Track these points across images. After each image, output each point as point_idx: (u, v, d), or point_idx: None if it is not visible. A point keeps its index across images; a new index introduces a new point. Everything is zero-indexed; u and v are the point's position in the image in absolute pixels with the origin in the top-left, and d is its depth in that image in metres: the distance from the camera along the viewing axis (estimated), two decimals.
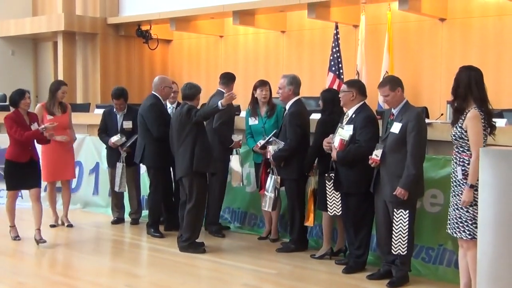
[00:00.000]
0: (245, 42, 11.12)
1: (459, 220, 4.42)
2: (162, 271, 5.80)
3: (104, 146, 7.71)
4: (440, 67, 8.75)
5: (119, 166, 7.32)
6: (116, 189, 7.41)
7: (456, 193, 4.46)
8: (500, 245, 3.80)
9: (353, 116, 5.51)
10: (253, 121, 6.73)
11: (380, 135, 5.41)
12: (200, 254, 6.25)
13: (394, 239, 5.09)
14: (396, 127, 5.05)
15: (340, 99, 5.65)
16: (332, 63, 9.04)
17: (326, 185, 5.71)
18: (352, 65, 9.01)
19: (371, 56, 8.93)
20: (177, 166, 6.37)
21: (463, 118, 4.41)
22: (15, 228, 6.83)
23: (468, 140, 4.37)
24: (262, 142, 6.47)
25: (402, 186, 4.93)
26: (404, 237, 5.04)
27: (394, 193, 4.97)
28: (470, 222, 4.37)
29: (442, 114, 6.81)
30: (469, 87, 4.46)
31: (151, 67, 12.27)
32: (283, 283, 5.41)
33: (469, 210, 4.36)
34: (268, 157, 6.27)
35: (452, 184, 4.51)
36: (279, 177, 6.27)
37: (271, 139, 6.31)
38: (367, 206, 5.47)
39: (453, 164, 4.50)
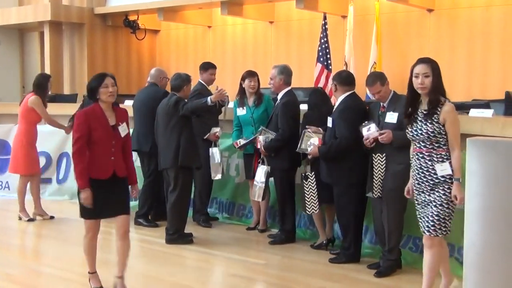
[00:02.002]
0: (233, 33, 11.09)
1: (436, 217, 4.22)
2: (151, 262, 5.80)
3: None
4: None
5: None
6: None
7: (437, 190, 4.21)
8: (487, 235, 3.83)
9: (335, 108, 5.57)
10: (241, 111, 6.73)
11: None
12: (188, 244, 6.26)
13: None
14: (391, 117, 5.11)
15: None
16: (321, 53, 9.03)
17: (304, 184, 5.78)
18: (340, 56, 9.01)
19: (359, 46, 8.93)
20: (162, 157, 6.35)
21: (438, 112, 4.19)
22: (96, 275, 5.01)
23: (445, 135, 4.20)
24: (242, 141, 6.52)
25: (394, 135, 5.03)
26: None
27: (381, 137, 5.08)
28: (447, 219, 4.25)
29: None
30: (440, 78, 4.30)
31: (138, 57, 12.20)
32: (271, 274, 5.43)
33: (449, 207, 4.22)
34: (259, 147, 6.28)
35: (425, 183, 4.25)
36: (269, 167, 6.27)
37: (260, 129, 6.32)
38: (354, 198, 5.49)
39: (425, 161, 4.24)
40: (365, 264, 5.51)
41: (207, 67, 7.13)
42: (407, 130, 4.33)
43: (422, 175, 4.26)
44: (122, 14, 11.48)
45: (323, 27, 9.07)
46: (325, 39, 9.03)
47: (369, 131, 5.17)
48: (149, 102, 6.91)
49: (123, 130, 4.65)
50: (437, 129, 4.19)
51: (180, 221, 6.34)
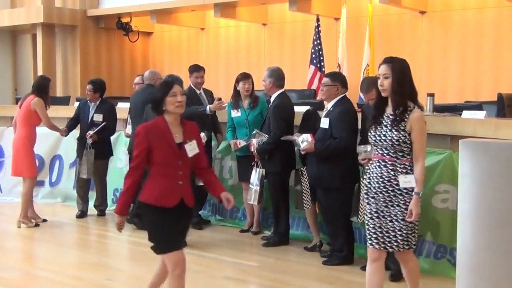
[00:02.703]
0: (226, 35, 11.09)
1: (399, 233, 3.92)
2: (143, 265, 5.78)
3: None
4: (421, 59, 8.79)
5: (87, 152, 7.38)
6: (83, 176, 7.44)
7: (397, 203, 3.92)
8: (480, 237, 3.84)
9: (331, 109, 5.55)
10: (235, 113, 6.73)
11: (360, 127, 5.45)
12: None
13: None
14: None
15: (322, 92, 5.67)
16: (314, 55, 9.05)
17: (301, 179, 5.79)
18: (333, 58, 9.03)
19: (352, 48, 8.95)
20: None
21: (405, 119, 3.87)
22: None
23: (410, 144, 3.89)
24: (241, 143, 6.51)
25: None
26: None
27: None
28: (410, 233, 3.96)
29: (422, 107, 6.84)
30: (411, 82, 4.00)
31: (131, 59, 12.19)
32: (265, 276, 5.42)
33: (412, 221, 3.91)
34: (252, 150, 6.28)
35: (385, 193, 3.95)
36: (263, 170, 6.28)
37: (254, 133, 6.32)
38: (345, 201, 5.49)
39: (387, 170, 3.93)
40: (358, 266, 5.51)
41: (191, 70, 7.07)
42: (369, 134, 4.00)
43: (382, 185, 3.93)
44: (115, 16, 11.47)
45: (316, 29, 9.09)
46: (318, 41, 9.05)
47: (366, 153, 5.18)
48: (147, 103, 6.93)
49: (191, 149, 3.87)
50: (402, 137, 3.87)
51: None
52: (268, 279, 5.33)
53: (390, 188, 3.92)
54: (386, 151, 3.93)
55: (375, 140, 3.96)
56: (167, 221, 3.87)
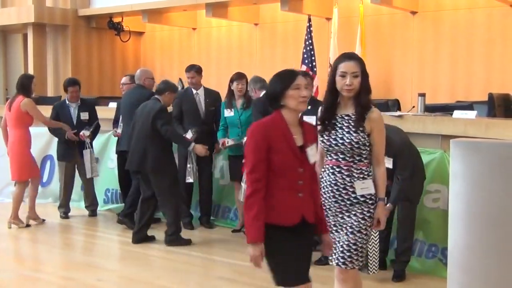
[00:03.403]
0: (218, 35, 11.08)
1: (353, 247, 3.51)
2: (135, 265, 5.77)
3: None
4: (412, 60, 8.81)
5: (87, 152, 7.37)
6: (89, 175, 7.45)
7: (354, 213, 3.53)
8: (471, 236, 3.85)
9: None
10: (228, 113, 6.75)
11: None
12: (187, 245, 6.28)
13: None
14: None
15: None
16: (305, 55, 9.05)
17: None
18: (325, 58, 9.03)
19: (343, 48, 8.91)
20: (136, 159, 6.31)
21: (365, 119, 3.52)
22: None
23: (369, 146, 3.53)
24: (230, 142, 6.53)
25: None
26: None
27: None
28: (364, 247, 3.57)
29: (413, 107, 6.87)
30: (368, 79, 3.58)
31: (123, 59, 12.14)
32: (258, 276, 5.41)
33: (367, 233, 3.55)
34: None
35: (342, 202, 3.54)
36: None
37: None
38: None
39: (342, 177, 3.52)
40: None
41: (185, 70, 7.15)
42: (321, 139, 3.56)
43: (338, 193, 3.53)
44: (106, 16, 11.42)
45: (308, 29, 9.09)
46: (310, 41, 9.05)
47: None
48: (137, 104, 6.91)
49: (312, 154, 3.28)
50: (362, 139, 3.49)
51: (176, 222, 6.37)
52: (260, 279, 5.32)
53: (346, 197, 3.52)
54: (342, 156, 3.52)
55: (329, 145, 3.53)
56: (288, 244, 3.15)
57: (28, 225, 7.12)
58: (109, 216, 7.69)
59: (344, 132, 3.50)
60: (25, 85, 7.11)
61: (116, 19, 11.48)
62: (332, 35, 8.95)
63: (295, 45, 9.72)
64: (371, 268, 5.08)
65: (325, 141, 3.55)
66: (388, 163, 4.95)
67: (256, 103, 6.29)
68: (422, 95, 6.35)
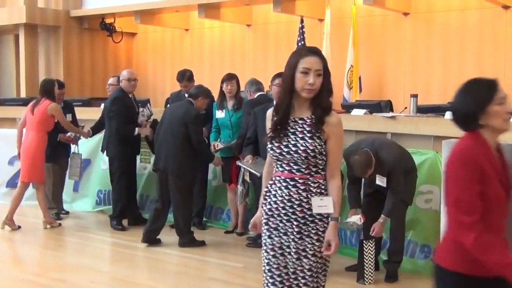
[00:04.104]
0: (210, 36, 11.07)
1: (309, 273, 3.05)
2: (128, 267, 5.76)
3: None
4: (404, 61, 8.83)
5: (77, 156, 7.43)
6: (76, 178, 7.58)
7: (308, 234, 3.02)
8: None
9: None
10: (219, 114, 6.74)
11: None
12: (199, 247, 6.30)
13: None
14: (381, 180, 5.15)
15: None
16: None
17: None
18: None
19: (336, 50, 8.97)
20: (169, 161, 6.28)
21: (323, 124, 3.02)
22: None
23: (325, 155, 3.04)
24: (219, 145, 6.53)
25: None
26: None
27: None
28: (321, 271, 3.10)
29: (406, 108, 6.89)
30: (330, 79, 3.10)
31: (115, 60, 12.11)
32: (250, 277, 5.42)
33: (323, 255, 3.05)
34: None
35: (293, 222, 3.03)
36: (246, 171, 6.27)
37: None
38: None
39: (297, 191, 3.01)
40: (342, 266, 5.51)
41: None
42: (270, 146, 3.07)
43: (291, 211, 3.02)
44: (99, 16, 11.39)
45: (300, 30, 9.10)
46: (303, 42, 9.06)
47: (354, 224, 5.21)
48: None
49: None
50: (319, 146, 2.99)
51: (189, 224, 6.39)
52: (253, 280, 5.33)
53: (300, 215, 3.01)
54: (295, 167, 3.01)
55: (279, 153, 3.02)
56: None
57: (19, 227, 7.09)
58: (101, 217, 7.67)
59: (298, 139, 3.00)
60: (48, 90, 7.10)
61: (108, 20, 11.45)
62: (324, 36, 8.97)
63: (288, 46, 9.71)
64: (367, 278, 5.11)
65: (275, 148, 3.04)
66: (382, 182, 4.98)
67: (246, 105, 6.30)
68: (415, 96, 6.37)
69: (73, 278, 5.41)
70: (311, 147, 2.97)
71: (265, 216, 3.12)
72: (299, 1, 9.23)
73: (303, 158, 2.98)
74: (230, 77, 6.72)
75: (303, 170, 3.01)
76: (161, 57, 11.74)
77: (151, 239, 6.35)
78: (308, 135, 2.99)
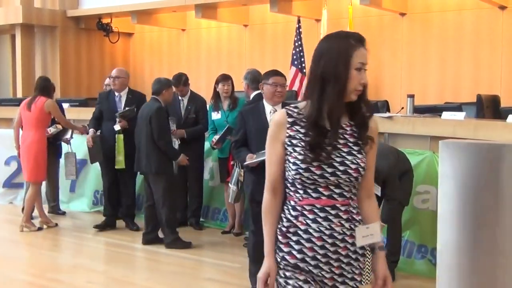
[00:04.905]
0: (207, 36, 11.07)
1: None
2: (124, 267, 5.75)
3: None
4: (401, 61, 8.84)
5: (72, 154, 7.39)
6: (73, 177, 7.53)
7: (351, 276, 2.43)
8: (460, 237, 3.86)
9: None
10: (215, 116, 6.73)
11: None
12: (187, 249, 6.25)
13: None
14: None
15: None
16: (295, 57, 9.07)
17: None
18: None
19: None
20: (144, 162, 6.28)
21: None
22: None
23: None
24: (216, 137, 6.49)
25: None
26: None
27: None
28: None
29: (402, 108, 6.89)
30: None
31: (112, 61, 12.09)
32: (247, 277, 5.41)
33: None
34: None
35: (330, 264, 2.34)
36: (242, 170, 6.26)
37: (227, 130, 6.34)
38: None
39: (339, 222, 2.34)
40: None
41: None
42: (305, 167, 2.30)
43: (332, 249, 2.32)
44: (95, 17, 11.39)
45: (297, 31, 9.11)
46: (299, 43, 9.07)
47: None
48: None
49: None
50: (364, 160, 2.37)
51: (172, 223, 6.36)
52: (249, 280, 5.32)
53: (343, 253, 2.33)
54: (337, 190, 2.32)
55: (320, 175, 2.29)
56: None
57: (40, 228, 7.12)
58: (97, 217, 7.65)
59: (344, 154, 2.33)
60: (46, 87, 7.11)
61: (105, 20, 11.44)
62: (321, 37, 8.94)
63: (285, 46, 9.73)
64: (364, 278, 5.08)
65: (313, 170, 2.29)
66: (377, 190, 4.95)
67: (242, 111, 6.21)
68: (411, 96, 6.38)
69: (70, 278, 5.40)
70: (362, 164, 2.33)
71: (291, 265, 2.34)
72: (296, 2, 9.24)
73: (352, 179, 2.32)
74: (226, 78, 6.71)
75: (345, 194, 2.33)
76: (158, 57, 11.73)
77: (151, 239, 6.34)
78: (355, 148, 2.34)
